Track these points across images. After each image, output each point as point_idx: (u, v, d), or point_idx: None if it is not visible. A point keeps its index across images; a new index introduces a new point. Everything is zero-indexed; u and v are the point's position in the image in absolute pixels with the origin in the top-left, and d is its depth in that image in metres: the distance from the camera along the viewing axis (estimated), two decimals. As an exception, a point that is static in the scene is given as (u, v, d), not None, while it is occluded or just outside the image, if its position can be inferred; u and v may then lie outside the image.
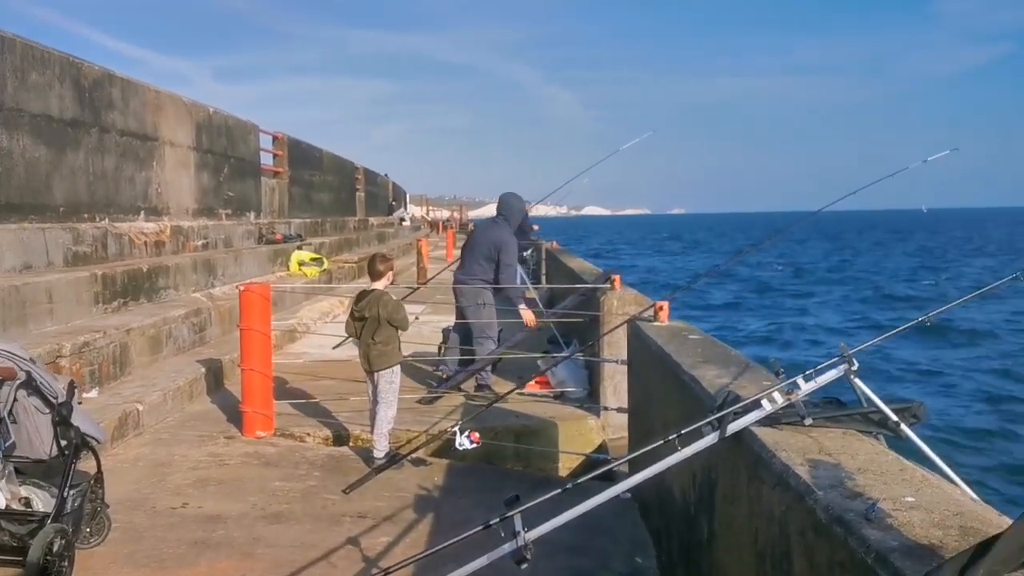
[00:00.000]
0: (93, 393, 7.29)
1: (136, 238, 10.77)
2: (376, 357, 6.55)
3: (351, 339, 7.05)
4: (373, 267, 6.76)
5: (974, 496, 2.65)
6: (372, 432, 6.65)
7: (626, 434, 6.84)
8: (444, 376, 8.97)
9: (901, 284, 42.80)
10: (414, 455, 6.66)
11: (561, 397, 8.76)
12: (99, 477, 4.76)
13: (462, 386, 8.83)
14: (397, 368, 6.64)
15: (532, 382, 8.61)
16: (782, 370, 3.22)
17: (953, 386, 18.30)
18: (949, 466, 3.11)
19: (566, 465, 7.49)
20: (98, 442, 4.71)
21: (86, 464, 4.66)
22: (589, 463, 7.11)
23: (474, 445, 5.96)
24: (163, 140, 11.88)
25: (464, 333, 8.90)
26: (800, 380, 3.04)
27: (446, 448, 6.67)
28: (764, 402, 3.02)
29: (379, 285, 6.68)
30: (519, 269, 18.01)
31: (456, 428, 6.01)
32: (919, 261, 60.59)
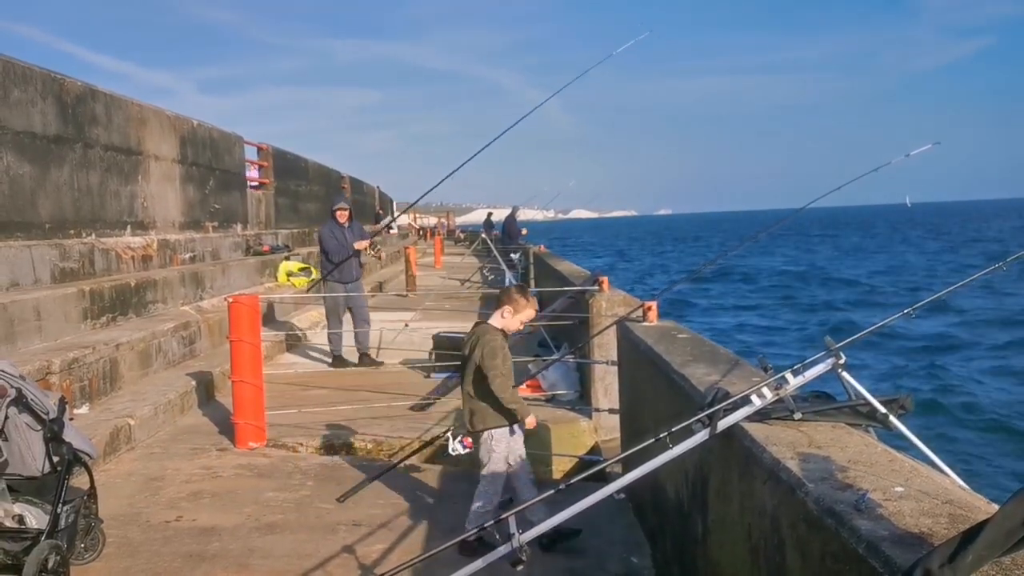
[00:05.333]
0: (84, 409, 7.27)
1: (123, 253, 10.74)
2: None
3: None
4: None
5: (962, 484, 2.68)
6: None
7: (618, 435, 6.87)
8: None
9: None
10: (407, 462, 6.66)
11: (553, 400, 8.78)
12: (92, 492, 4.75)
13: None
14: None
15: (523, 385, 8.61)
16: (770, 366, 3.25)
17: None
18: (938, 455, 3.14)
19: (559, 468, 7.50)
20: (90, 458, 4.70)
21: (79, 480, 4.66)
22: (582, 465, 7.12)
23: (467, 450, 5.95)
24: (148, 154, 11.86)
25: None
26: (788, 375, 3.06)
27: (439, 454, 6.68)
28: (753, 398, 3.04)
29: None
30: (507, 273, 18.11)
31: (449, 433, 6.01)
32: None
